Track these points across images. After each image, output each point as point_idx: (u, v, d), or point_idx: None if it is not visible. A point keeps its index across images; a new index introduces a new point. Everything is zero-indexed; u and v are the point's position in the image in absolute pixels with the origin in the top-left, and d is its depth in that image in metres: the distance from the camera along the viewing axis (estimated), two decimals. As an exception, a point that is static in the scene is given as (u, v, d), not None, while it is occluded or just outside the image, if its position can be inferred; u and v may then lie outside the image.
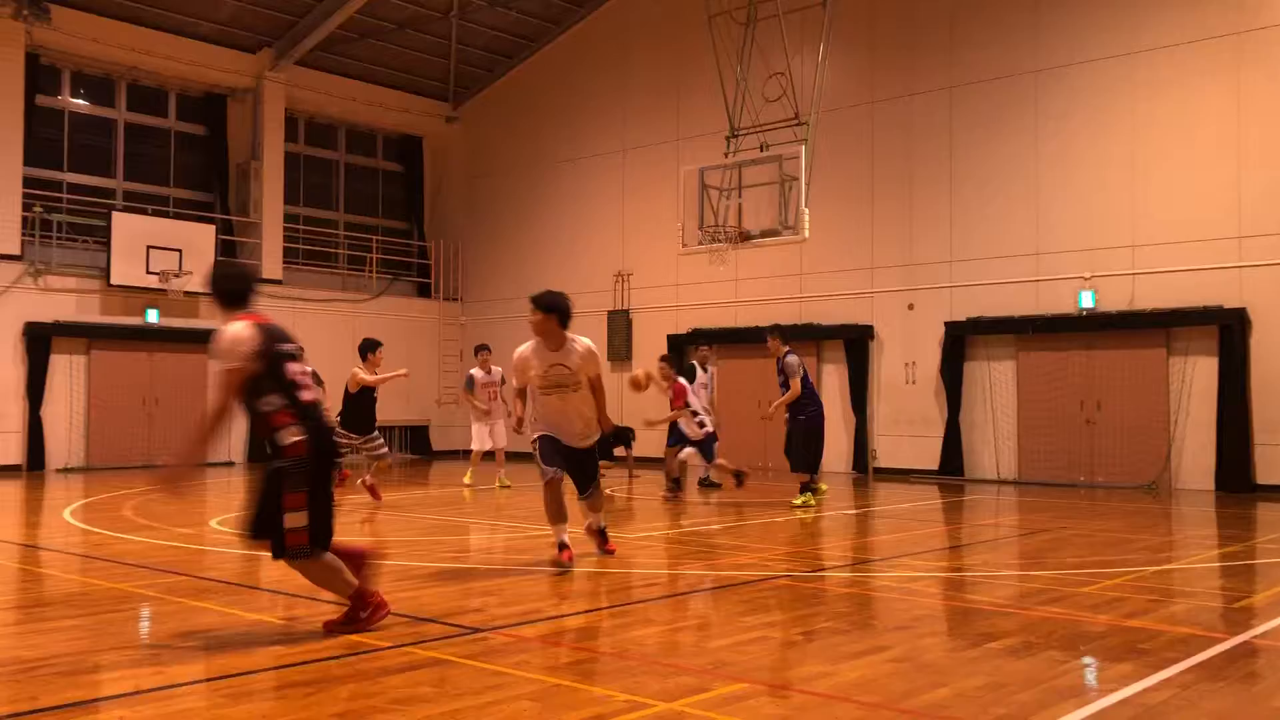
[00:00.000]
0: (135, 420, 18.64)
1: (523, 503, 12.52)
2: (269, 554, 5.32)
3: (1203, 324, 14.95)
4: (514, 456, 15.57)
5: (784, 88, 15.02)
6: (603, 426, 7.77)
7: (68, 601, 6.64)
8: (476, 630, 5.51)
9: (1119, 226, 15.62)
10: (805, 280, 18.42)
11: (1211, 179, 14.95)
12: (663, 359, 13.80)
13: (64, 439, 18.15)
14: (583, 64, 22.23)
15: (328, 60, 21.98)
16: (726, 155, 15.24)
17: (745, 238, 14.82)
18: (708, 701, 4.26)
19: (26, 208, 18.22)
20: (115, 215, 18.79)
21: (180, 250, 19.08)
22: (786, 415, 12.54)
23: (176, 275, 18.95)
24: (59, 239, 18.70)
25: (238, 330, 5.24)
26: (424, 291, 23.99)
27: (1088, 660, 5.15)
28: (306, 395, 5.31)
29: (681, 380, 13.40)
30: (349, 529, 10.19)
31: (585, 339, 7.57)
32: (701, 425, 13.18)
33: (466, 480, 14.79)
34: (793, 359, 12.36)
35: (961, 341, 16.97)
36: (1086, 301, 15.84)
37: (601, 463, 15.16)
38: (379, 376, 11.89)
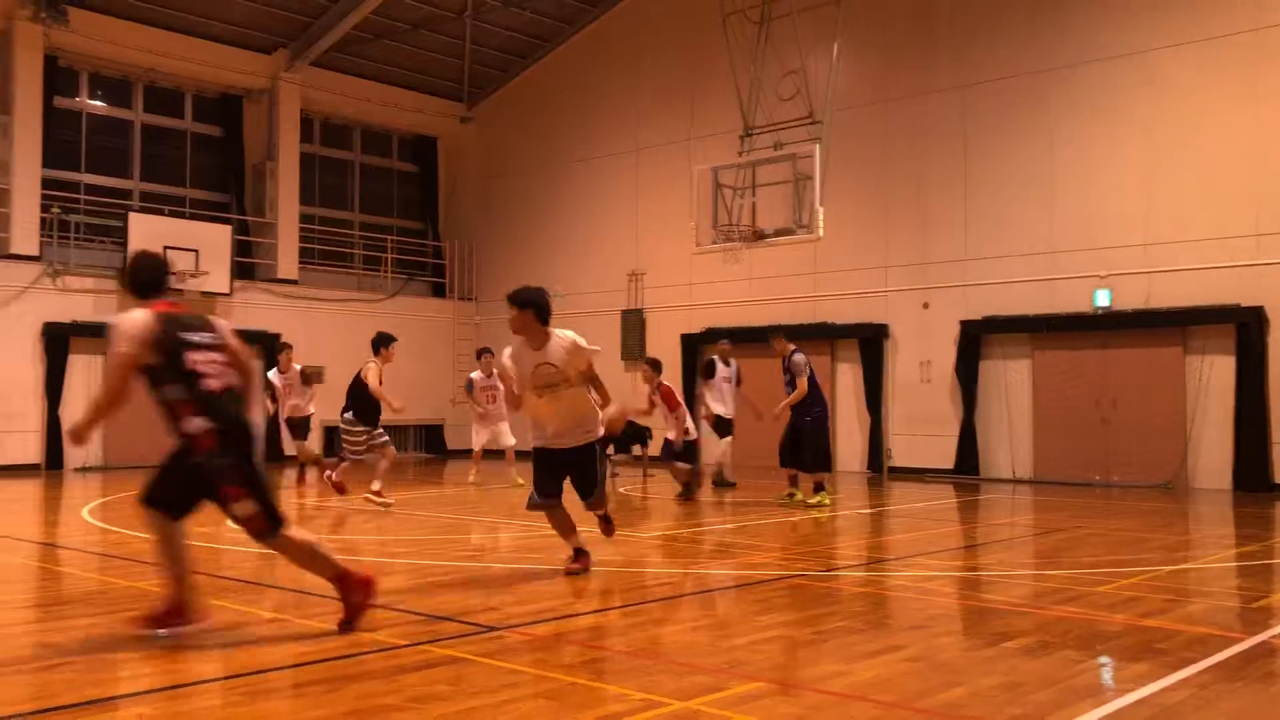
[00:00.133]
0: (153, 419, 18.57)
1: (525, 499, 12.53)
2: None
3: (1219, 322, 14.87)
4: (524, 455, 15.61)
5: (798, 86, 15.01)
6: (610, 426, 7.34)
7: (87, 600, 6.69)
8: (492, 629, 5.52)
9: (1135, 225, 15.55)
10: (819, 279, 18.39)
11: (1228, 176, 14.87)
12: (646, 362, 13.68)
13: (82, 438, 18.23)
14: (596, 64, 22.24)
15: (343, 61, 22.05)
16: (740, 154, 15.23)
17: (759, 237, 14.82)
18: (723, 700, 4.27)
19: (45, 209, 18.34)
20: (132, 216, 18.89)
21: (197, 251, 19.16)
22: (791, 415, 12.43)
23: (193, 275, 19.03)
24: (77, 240, 18.81)
25: (132, 318, 5.25)
26: (439, 291, 24.05)
27: (1104, 660, 5.14)
28: (212, 384, 5.22)
29: (667, 383, 13.36)
30: (359, 528, 10.22)
31: (568, 332, 7.10)
32: (687, 433, 13.23)
33: (470, 479, 14.85)
34: (799, 357, 12.29)
35: (976, 340, 16.93)
36: (1102, 300, 15.78)
37: (616, 457, 15.16)
38: (382, 391, 11.50)
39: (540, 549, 8.71)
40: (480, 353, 15.34)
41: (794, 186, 14.52)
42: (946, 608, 6.60)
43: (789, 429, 12.32)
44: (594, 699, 4.29)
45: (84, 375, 18.32)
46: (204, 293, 19.37)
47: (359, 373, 11.45)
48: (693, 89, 20.25)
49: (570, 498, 7.30)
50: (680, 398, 13.52)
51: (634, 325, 21.16)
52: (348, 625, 5.44)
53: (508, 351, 7.15)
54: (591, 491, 7.34)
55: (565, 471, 7.22)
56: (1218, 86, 15.05)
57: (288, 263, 21.29)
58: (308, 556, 5.48)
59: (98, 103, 20.20)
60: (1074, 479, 15.79)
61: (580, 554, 7.36)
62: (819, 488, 12.27)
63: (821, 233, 14.33)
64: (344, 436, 11.64)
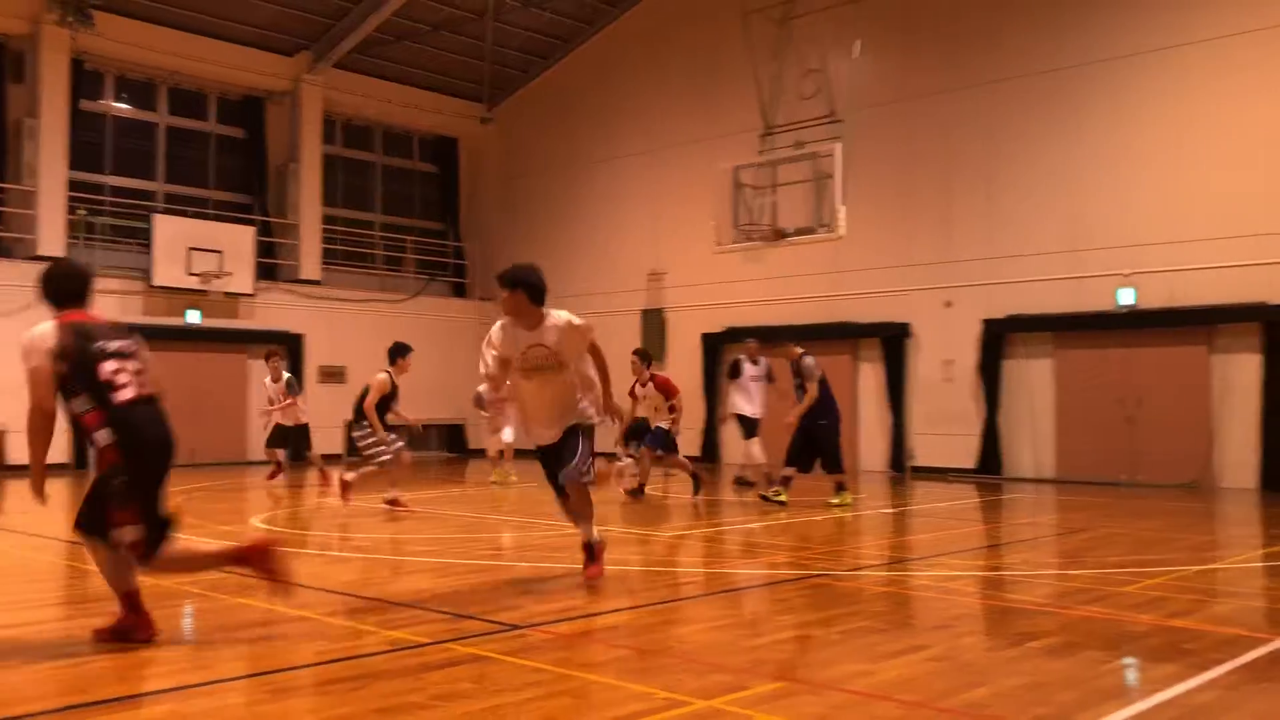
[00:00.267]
0: (176, 419, 18.74)
1: (546, 498, 12.54)
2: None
3: (1246, 321, 14.74)
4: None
5: (818, 85, 14.99)
6: (609, 411, 6.97)
7: (112, 598, 6.73)
8: (515, 627, 5.54)
9: (1159, 223, 15.43)
10: (841, 278, 18.33)
11: (1254, 174, 14.74)
12: (634, 353, 13.31)
13: (107, 438, 18.38)
14: (616, 63, 22.26)
15: (364, 63, 22.15)
16: (761, 153, 15.22)
17: (780, 236, 14.79)
18: (746, 700, 4.27)
19: (71, 211, 18.50)
20: (157, 218, 19.05)
21: (221, 252, 19.30)
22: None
23: (217, 277, 19.17)
24: (102, 241, 18.96)
25: (40, 330, 5.11)
26: (460, 292, 24.12)
27: (1130, 660, 5.11)
28: (124, 395, 5.05)
29: (662, 374, 13.08)
30: (381, 529, 10.26)
31: (563, 312, 6.61)
32: (675, 423, 12.94)
33: (493, 479, 14.93)
34: (809, 360, 12.12)
35: (999, 339, 16.84)
36: (1126, 298, 15.68)
37: (622, 463, 15.08)
38: (373, 413, 11.19)
39: (563, 548, 8.72)
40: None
41: (815, 185, 14.49)
42: (970, 607, 6.57)
43: (800, 433, 12.13)
44: (617, 698, 4.30)
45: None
46: (227, 293, 19.52)
47: (367, 386, 11.43)
48: (713, 88, 20.23)
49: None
50: (677, 387, 13.13)
51: (654, 325, 21.16)
52: (278, 590, 5.43)
53: (494, 328, 6.75)
54: (569, 461, 6.61)
55: (545, 460, 6.84)
56: (1243, 83, 14.92)
57: (310, 263, 21.41)
58: (192, 562, 5.37)
59: (123, 105, 20.37)
60: (1098, 478, 15.69)
61: (590, 553, 6.86)
62: (840, 487, 12.21)
63: (843, 232, 14.28)
64: (360, 444, 11.46)
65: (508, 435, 14.82)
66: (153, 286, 18.86)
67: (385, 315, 21.87)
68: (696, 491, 12.79)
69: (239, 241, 19.75)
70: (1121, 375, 15.85)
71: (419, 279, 23.30)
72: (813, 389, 11.97)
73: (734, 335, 18.95)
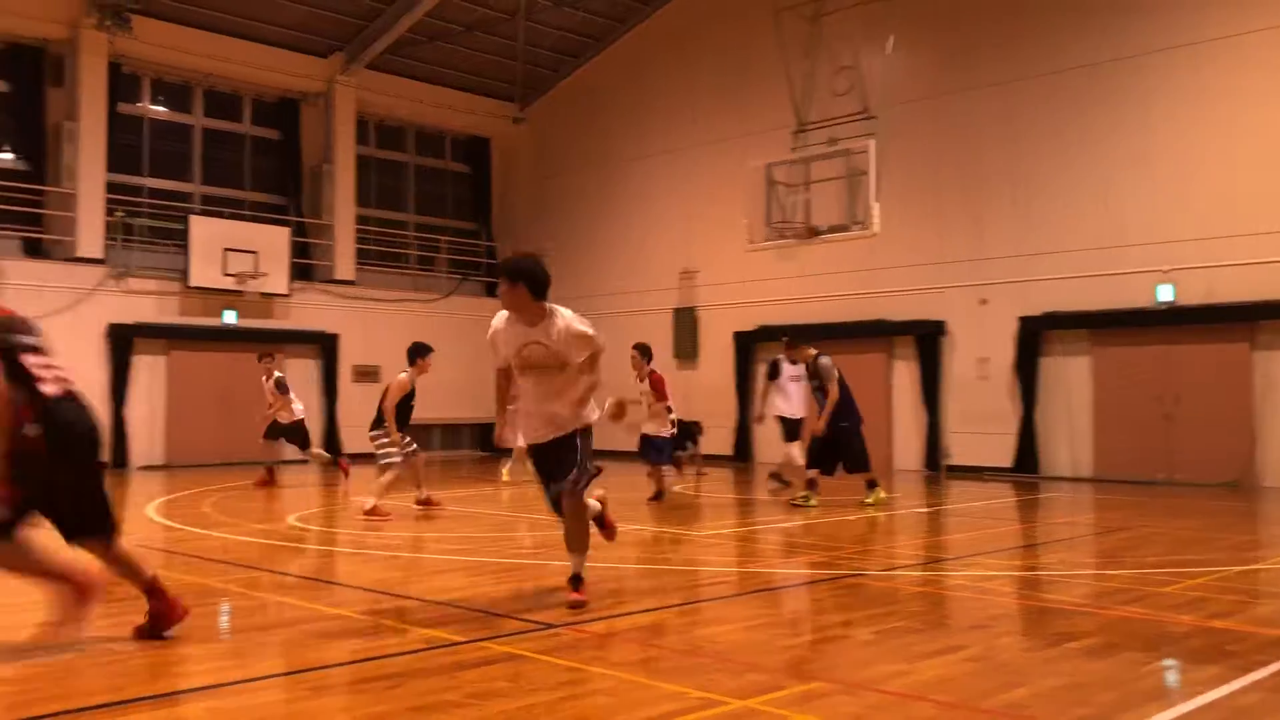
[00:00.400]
0: (213, 419, 19.04)
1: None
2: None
3: (1288, 316, 14.52)
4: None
5: (851, 82, 14.91)
6: (612, 415, 6.91)
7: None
8: (549, 626, 5.54)
9: (1199, 218, 15.22)
10: (875, 276, 18.22)
11: (1296, 168, 14.51)
12: (634, 348, 12.64)
13: (145, 437, 18.62)
14: (648, 62, 22.25)
15: (397, 63, 22.27)
16: (794, 151, 15.15)
17: (813, 233, 14.72)
18: (782, 700, 4.24)
19: (109, 212, 18.73)
20: (193, 219, 19.24)
21: (256, 252, 19.47)
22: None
23: (253, 277, 19.34)
24: (140, 243, 19.19)
25: None
26: (492, 291, 24.18)
27: (1171, 662, 5.04)
28: (48, 389, 4.98)
29: (658, 372, 12.48)
30: (415, 526, 10.30)
31: (568, 311, 6.16)
32: (673, 424, 12.48)
33: (505, 477, 14.98)
34: (825, 361, 11.94)
35: (1035, 336, 16.68)
36: (1165, 295, 15.48)
37: (665, 468, 14.96)
38: (390, 416, 10.99)
39: (594, 546, 8.72)
40: None
41: (848, 182, 14.41)
42: (1007, 607, 6.51)
43: (819, 435, 11.95)
44: (652, 697, 4.28)
45: (147, 375, 18.69)
46: (263, 294, 19.69)
47: (388, 385, 11.32)
48: (745, 86, 20.18)
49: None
50: (669, 391, 12.49)
51: (686, 323, 21.14)
52: (64, 629, 5.18)
53: (495, 321, 6.29)
54: (564, 475, 6.15)
55: (540, 461, 6.34)
56: (1284, 75, 14.70)
57: (345, 264, 21.56)
58: (29, 566, 5.15)
59: (159, 108, 20.58)
60: (1136, 477, 15.50)
61: (575, 583, 6.21)
62: (871, 485, 12.10)
63: (877, 229, 14.19)
64: (379, 447, 11.19)
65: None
66: (189, 287, 19.06)
67: (418, 315, 21.98)
68: (655, 499, 12.26)
69: (274, 242, 19.92)
70: (1160, 372, 15.66)
71: (451, 279, 23.40)
72: (833, 389, 11.81)
73: (767, 334, 18.91)
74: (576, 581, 6.15)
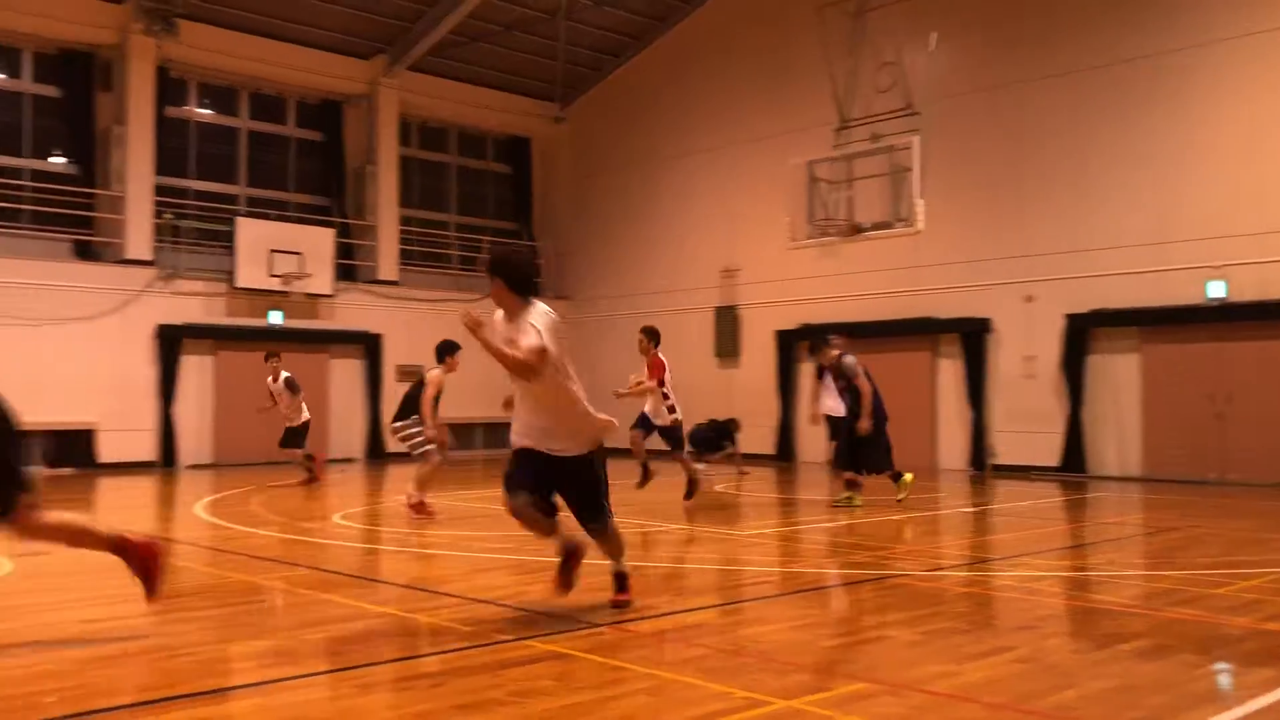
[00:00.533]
0: (259, 419, 19.23)
1: (623, 498, 12.55)
2: None
3: (1344, 313, 14.22)
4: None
5: (894, 78, 14.79)
6: (599, 433, 5.81)
7: (201, 593, 6.90)
8: (592, 625, 5.54)
9: (1251, 213, 14.94)
10: (919, 273, 18.05)
11: (1352, 160, 14.20)
12: (642, 331, 12.21)
13: (193, 436, 18.88)
14: (689, 60, 22.21)
15: (438, 64, 22.39)
16: (836, 147, 15.06)
17: (856, 231, 14.62)
18: (827, 700, 4.22)
19: (157, 215, 19.00)
20: (239, 221, 19.46)
21: (301, 254, 19.66)
22: (847, 419, 11.76)
23: (298, 278, 19.53)
24: (187, 244, 19.46)
25: None
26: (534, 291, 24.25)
27: (1224, 665, 4.95)
28: None
29: (660, 356, 11.85)
30: (453, 525, 10.34)
31: (543, 307, 5.68)
32: (671, 410, 11.73)
33: None
34: (850, 359, 11.79)
35: (1083, 334, 16.46)
36: (1216, 291, 15.21)
37: (700, 465, 14.81)
38: (428, 412, 10.94)
39: (636, 544, 8.73)
40: None
41: (891, 179, 14.30)
42: (1055, 608, 6.43)
43: (846, 432, 11.72)
44: (696, 696, 4.27)
45: (196, 375, 18.94)
46: (308, 295, 19.88)
47: (420, 380, 11.27)
48: (787, 83, 20.08)
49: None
50: (667, 376, 11.80)
51: (728, 322, 21.09)
52: (150, 591, 5.39)
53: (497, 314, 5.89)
54: (590, 516, 5.83)
55: (550, 483, 5.78)
56: (1340, 66, 14.39)
57: (388, 264, 21.72)
58: (65, 534, 5.33)
59: (206, 111, 20.84)
60: (1186, 476, 15.25)
61: (569, 556, 5.84)
62: (896, 477, 11.78)
63: (921, 226, 14.06)
64: (407, 441, 11.12)
65: None
66: (236, 288, 19.29)
67: (460, 314, 22.07)
68: (641, 485, 11.93)
69: (319, 243, 20.10)
70: (1211, 370, 15.39)
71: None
72: (865, 384, 11.62)
73: (809, 333, 18.80)
74: (621, 580, 6.02)
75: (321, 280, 20.00)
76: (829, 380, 13.14)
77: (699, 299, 21.52)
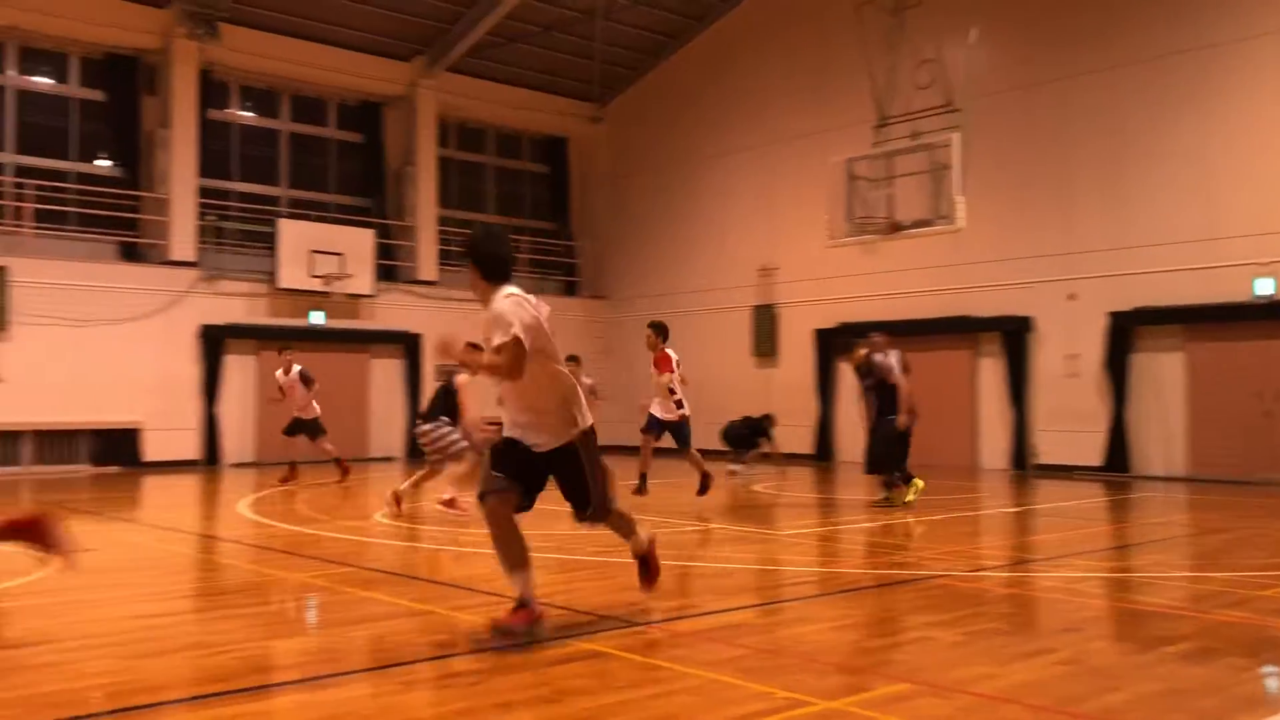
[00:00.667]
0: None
1: (666, 497, 12.56)
2: None
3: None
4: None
5: (934, 74, 14.64)
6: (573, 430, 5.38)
7: (245, 590, 6.98)
8: (632, 624, 5.55)
9: (1300, 208, 14.69)
10: (960, 271, 17.90)
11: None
12: (650, 326, 11.89)
13: (237, 435, 19.10)
14: (727, 58, 22.16)
15: (476, 65, 22.49)
16: (875, 145, 14.94)
17: (896, 229, 14.50)
18: (870, 701, 4.19)
19: (200, 216, 19.24)
20: (281, 222, 19.65)
21: (342, 254, 19.83)
22: (873, 416, 11.58)
23: (339, 278, 19.70)
24: (230, 245, 19.68)
25: None
26: (571, 290, 24.33)
27: (1273, 668, 4.87)
28: None
29: (668, 350, 11.58)
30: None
31: (510, 290, 5.26)
32: (679, 405, 11.46)
33: None
34: (880, 356, 11.63)
35: (1126, 332, 16.26)
36: (1263, 289, 14.96)
37: (732, 468, 14.68)
38: (471, 406, 10.79)
39: (677, 544, 8.72)
40: (566, 360, 14.67)
41: (932, 176, 14.15)
42: (1099, 610, 6.35)
43: (877, 433, 11.52)
44: (737, 696, 4.26)
45: (239, 375, 19.16)
46: (349, 295, 20.04)
47: (451, 380, 11.18)
48: (825, 80, 19.99)
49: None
50: (676, 369, 11.57)
51: (766, 321, 21.02)
52: (63, 559, 5.33)
53: None
54: (584, 508, 5.55)
55: (537, 475, 5.48)
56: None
57: (427, 264, 21.85)
58: None
59: (247, 113, 21.07)
60: (1234, 477, 15.02)
61: (522, 604, 5.28)
62: (908, 479, 11.52)
63: (962, 223, 13.92)
64: (436, 443, 10.98)
65: None
66: (278, 289, 19.48)
67: (499, 314, 22.18)
68: (702, 492, 11.52)
69: (359, 244, 20.26)
70: (1259, 369, 15.14)
71: (530, 278, 23.56)
72: (902, 379, 11.45)
73: (848, 331, 18.70)
74: (644, 564, 5.89)
75: (362, 280, 20.16)
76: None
77: (736, 298, 21.47)
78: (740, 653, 5.03)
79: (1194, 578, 7.42)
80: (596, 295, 24.28)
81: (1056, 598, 6.62)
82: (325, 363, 19.63)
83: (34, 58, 18.68)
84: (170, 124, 18.92)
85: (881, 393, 11.62)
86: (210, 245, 19.36)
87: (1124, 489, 14.33)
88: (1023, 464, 17.20)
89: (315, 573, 7.38)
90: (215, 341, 18.85)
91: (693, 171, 22.70)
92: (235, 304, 19.31)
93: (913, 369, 13.16)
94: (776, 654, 5.01)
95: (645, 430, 11.74)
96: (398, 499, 10.86)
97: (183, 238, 18.84)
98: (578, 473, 5.42)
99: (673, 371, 11.50)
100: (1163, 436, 15.98)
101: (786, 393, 20.01)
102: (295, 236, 19.53)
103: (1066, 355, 16.96)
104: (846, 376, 16.02)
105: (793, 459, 17.73)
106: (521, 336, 5.08)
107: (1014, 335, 17.46)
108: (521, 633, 5.13)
